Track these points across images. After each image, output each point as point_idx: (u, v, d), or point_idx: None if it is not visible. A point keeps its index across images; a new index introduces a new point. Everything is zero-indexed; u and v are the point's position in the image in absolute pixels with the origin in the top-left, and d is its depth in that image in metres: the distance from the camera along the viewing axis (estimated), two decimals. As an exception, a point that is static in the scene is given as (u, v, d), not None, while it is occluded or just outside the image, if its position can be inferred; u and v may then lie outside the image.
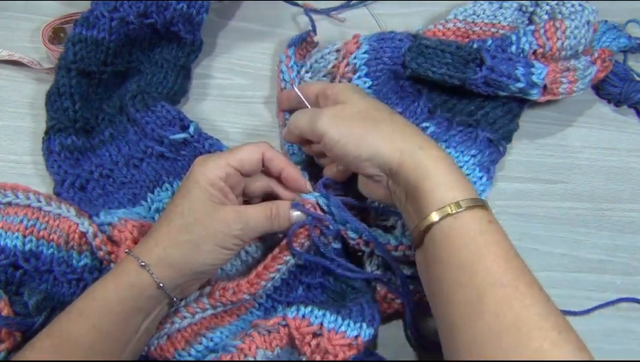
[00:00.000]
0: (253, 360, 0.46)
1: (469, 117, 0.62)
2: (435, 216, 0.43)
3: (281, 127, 0.63)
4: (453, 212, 0.42)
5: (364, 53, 0.61)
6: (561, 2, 0.65)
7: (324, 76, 0.64)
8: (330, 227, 0.52)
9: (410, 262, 0.54)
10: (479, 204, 0.44)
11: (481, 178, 0.59)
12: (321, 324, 0.48)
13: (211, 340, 0.51)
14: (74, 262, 0.53)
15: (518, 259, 0.42)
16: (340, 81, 0.61)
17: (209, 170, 0.48)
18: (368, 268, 0.54)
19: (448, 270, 0.42)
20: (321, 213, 0.52)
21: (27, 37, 0.67)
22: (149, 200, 0.58)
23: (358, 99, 0.50)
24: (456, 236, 0.42)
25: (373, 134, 0.47)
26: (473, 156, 0.59)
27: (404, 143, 0.46)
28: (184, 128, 0.59)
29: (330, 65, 0.64)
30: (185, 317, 0.50)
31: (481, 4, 0.68)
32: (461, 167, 0.59)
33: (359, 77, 0.61)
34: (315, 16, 0.70)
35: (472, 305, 0.40)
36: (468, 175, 0.59)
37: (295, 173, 0.52)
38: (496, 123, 0.62)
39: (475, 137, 0.61)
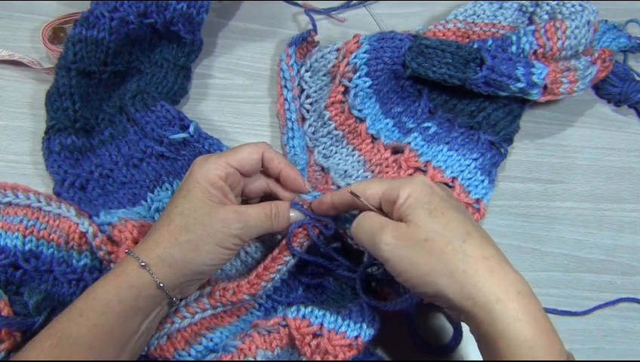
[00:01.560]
0: (253, 360, 0.46)
1: (471, 118, 0.62)
2: None
3: (282, 127, 0.63)
4: None
5: (365, 52, 0.61)
6: (561, 2, 0.65)
7: (325, 75, 0.64)
8: (329, 226, 0.52)
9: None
10: None
11: (482, 181, 0.59)
12: (321, 325, 0.48)
13: (211, 340, 0.51)
14: (74, 262, 0.53)
15: None
16: (340, 81, 0.61)
17: (209, 170, 0.48)
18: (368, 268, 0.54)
19: None
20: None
21: (27, 37, 0.67)
22: (149, 200, 0.58)
23: (425, 219, 0.43)
24: None
25: (440, 275, 0.41)
26: (475, 160, 0.59)
27: (478, 291, 0.40)
28: (184, 128, 0.59)
29: (330, 65, 0.64)
30: (185, 317, 0.50)
31: (482, 5, 0.68)
32: (462, 171, 0.59)
33: (359, 76, 0.61)
34: (315, 16, 0.70)
35: None
36: (470, 178, 0.59)
37: (294, 174, 0.52)
38: (497, 125, 0.62)
39: (477, 140, 0.61)
